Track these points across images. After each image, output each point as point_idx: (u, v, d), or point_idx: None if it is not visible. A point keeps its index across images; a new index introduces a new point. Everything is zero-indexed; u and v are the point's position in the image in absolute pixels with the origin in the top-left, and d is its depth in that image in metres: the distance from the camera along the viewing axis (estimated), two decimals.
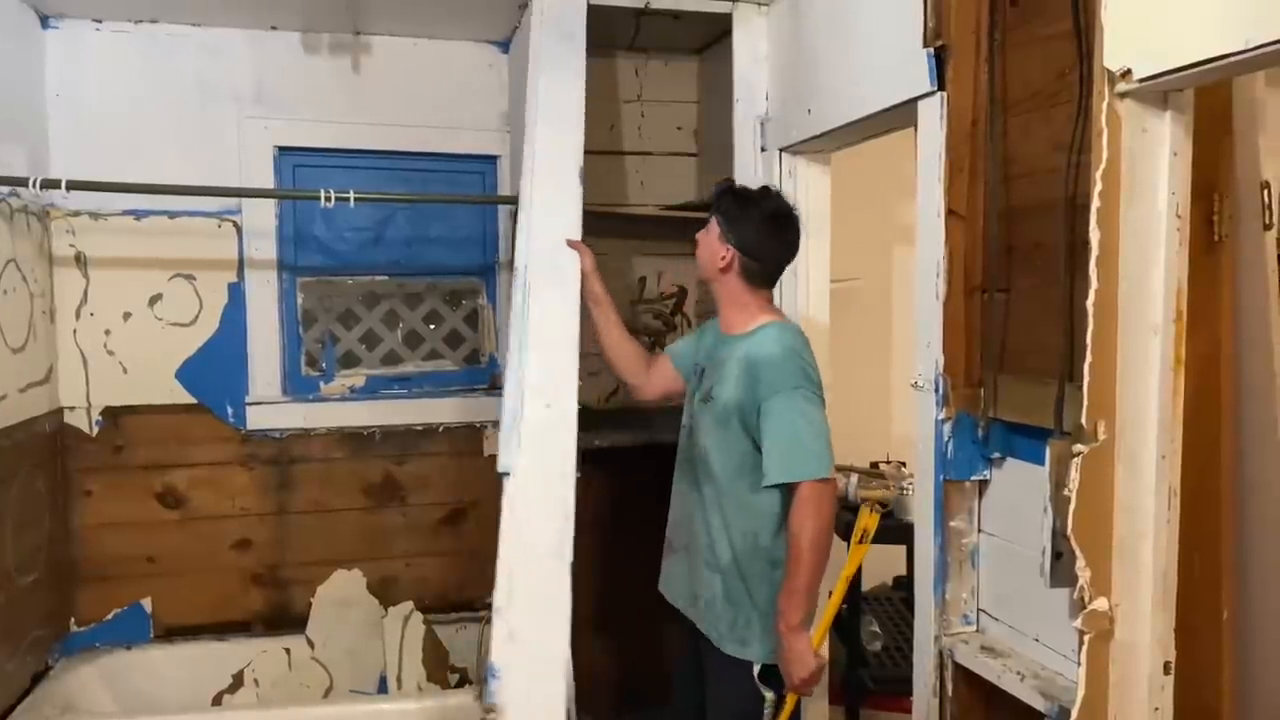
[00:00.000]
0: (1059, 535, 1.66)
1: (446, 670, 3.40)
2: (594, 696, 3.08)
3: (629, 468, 3.14)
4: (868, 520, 2.33)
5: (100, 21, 3.09)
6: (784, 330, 2.20)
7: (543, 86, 2.53)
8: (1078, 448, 1.59)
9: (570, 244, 2.34)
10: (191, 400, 3.21)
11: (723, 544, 2.19)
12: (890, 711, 3.05)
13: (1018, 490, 1.96)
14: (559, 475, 2.15)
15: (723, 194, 2.29)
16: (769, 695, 2.16)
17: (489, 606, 3.32)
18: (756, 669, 2.17)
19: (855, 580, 3.02)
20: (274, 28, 3.21)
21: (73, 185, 2.69)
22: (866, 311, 3.65)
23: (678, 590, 2.33)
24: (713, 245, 2.24)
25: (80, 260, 3.10)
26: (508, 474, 2.11)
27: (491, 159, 3.46)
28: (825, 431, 2.10)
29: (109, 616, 3.17)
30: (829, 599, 2.35)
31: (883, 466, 3.23)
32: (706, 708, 2.29)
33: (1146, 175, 1.57)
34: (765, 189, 2.33)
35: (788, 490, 2.10)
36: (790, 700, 2.18)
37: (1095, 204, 1.55)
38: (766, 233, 2.23)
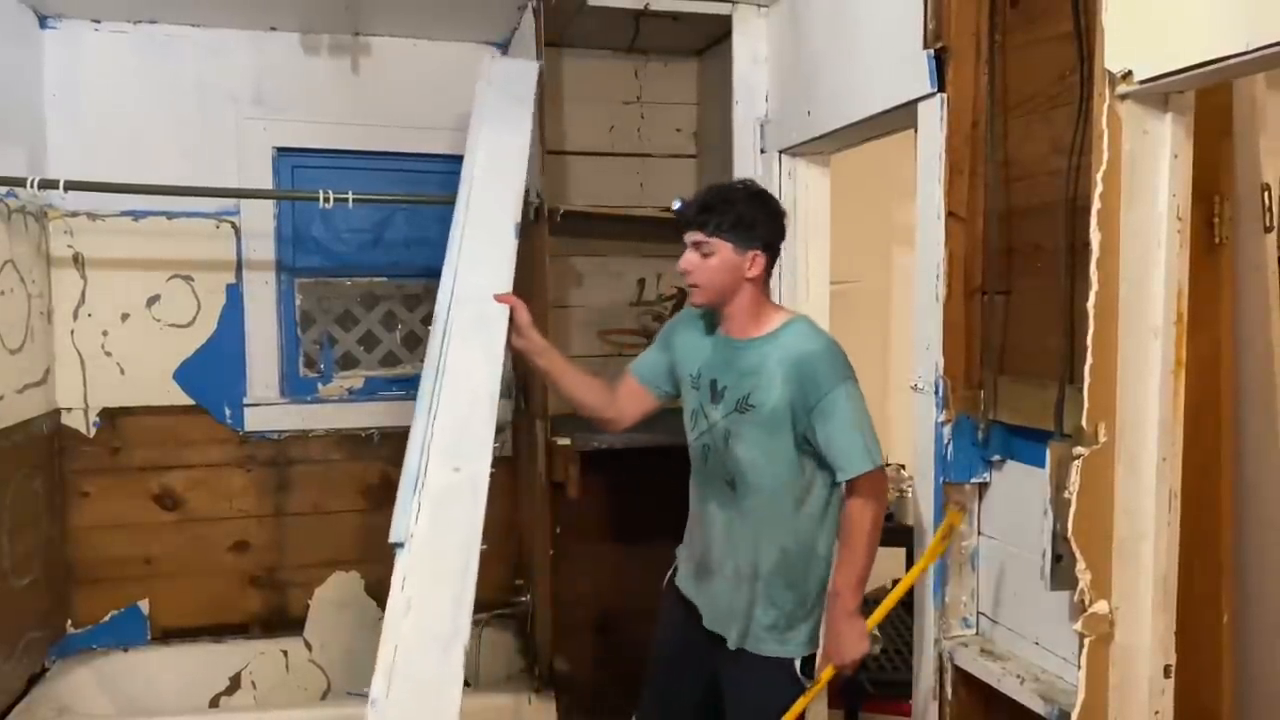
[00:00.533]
0: (1059, 538, 1.65)
1: None
2: (592, 698, 3.08)
3: (627, 469, 3.13)
4: (954, 517, 2.26)
5: (99, 22, 3.08)
6: (811, 324, 2.20)
7: (484, 140, 2.41)
8: (1078, 450, 1.59)
9: (501, 298, 2.21)
10: (189, 401, 3.21)
11: (768, 553, 2.12)
12: (890, 715, 3.03)
13: (1018, 493, 1.95)
14: (462, 550, 1.94)
15: (708, 210, 2.11)
16: (808, 685, 2.14)
17: (488, 609, 3.34)
18: (798, 664, 2.14)
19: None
20: (273, 28, 3.21)
21: (71, 185, 2.68)
22: (866, 313, 3.64)
23: (717, 613, 2.21)
24: (730, 263, 2.10)
25: (78, 261, 3.09)
26: (400, 545, 1.92)
27: None
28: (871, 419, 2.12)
29: (106, 618, 3.16)
30: (895, 586, 2.30)
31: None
32: (731, 714, 2.22)
33: (1147, 177, 1.57)
34: (733, 185, 2.21)
35: (830, 479, 2.10)
36: (824, 679, 2.12)
37: (1096, 206, 1.55)
38: (774, 216, 2.16)
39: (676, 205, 2.13)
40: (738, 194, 2.15)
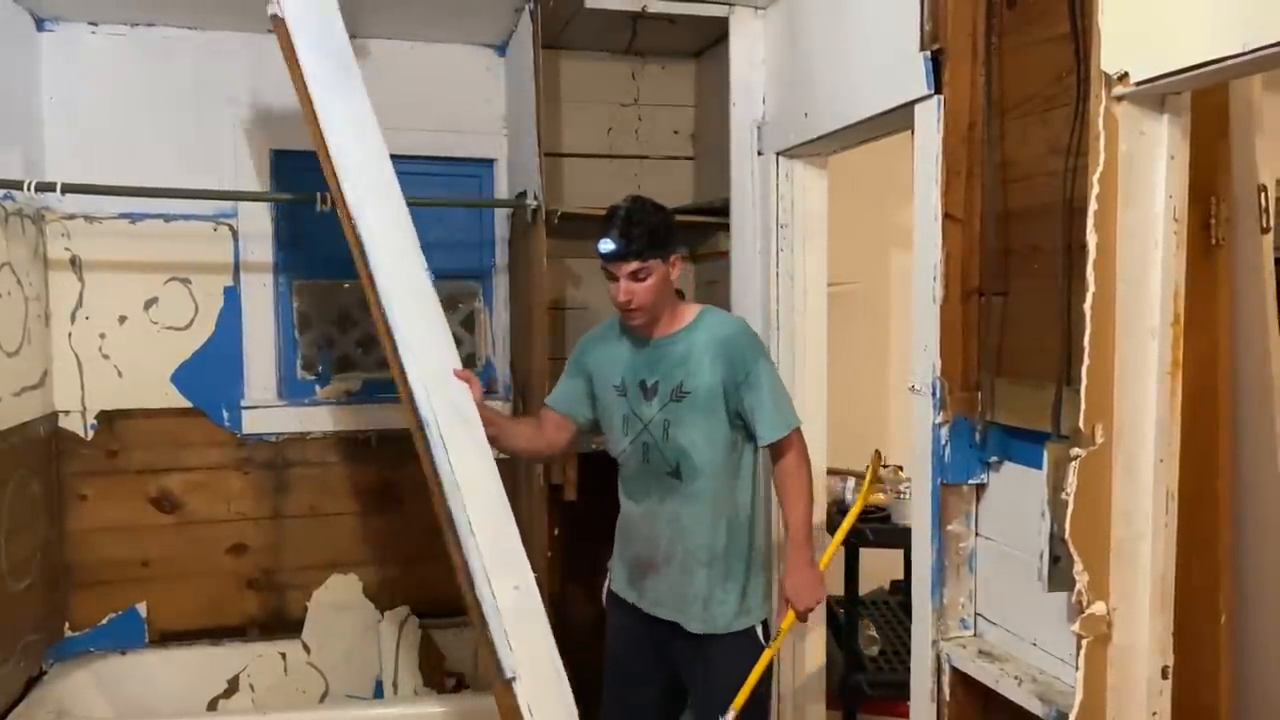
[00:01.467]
0: (1056, 539, 1.65)
1: (443, 675, 3.39)
2: (590, 699, 3.07)
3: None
4: (875, 459, 2.52)
5: (96, 24, 3.09)
6: (720, 310, 2.46)
7: (349, 152, 2.31)
8: (1075, 451, 1.58)
9: (459, 375, 2.29)
10: (187, 404, 3.21)
11: (715, 533, 2.30)
12: (888, 716, 3.04)
13: (1015, 494, 1.95)
14: (549, 660, 2.16)
15: (633, 239, 2.21)
16: (768, 645, 2.33)
17: None
18: (759, 629, 2.35)
19: (853, 583, 3.03)
20: (271, 31, 3.20)
21: (68, 188, 2.68)
22: (864, 315, 3.64)
23: (664, 603, 2.36)
24: (662, 276, 2.25)
25: (75, 264, 3.09)
26: (515, 679, 2.11)
27: (488, 162, 3.46)
28: None
29: (104, 621, 3.16)
30: (838, 530, 2.46)
31: (880, 470, 3.22)
32: (704, 696, 2.34)
33: (1144, 178, 1.56)
34: (631, 205, 2.27)
35: (754, 450, 2.34)
36: (785, 628, 2.30)
37: (1092, 207, 1.55)
38: (672, 217, 2.34)
39: (610, 247, 2.22)
40: (643, 212, 2.27)
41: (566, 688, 2.18)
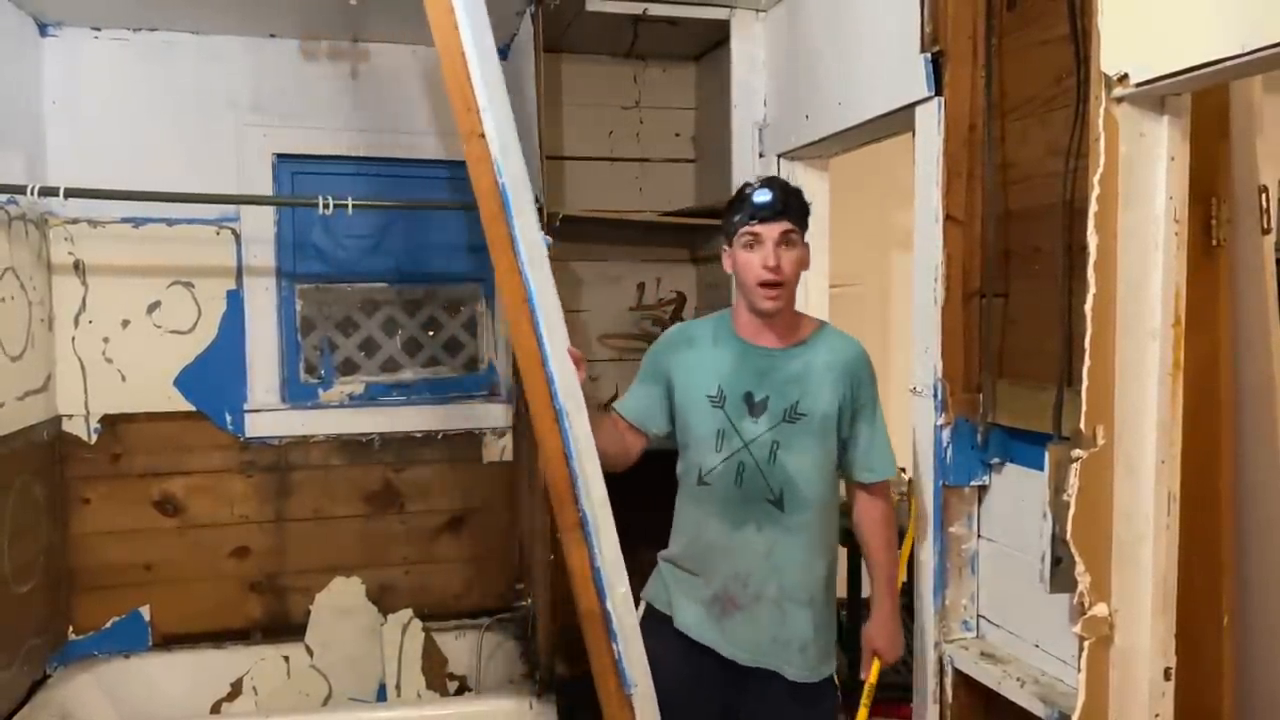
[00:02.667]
0: (1058, 540, 1.65)
1: (445, 678, 3.39)
2: (593, 701, 3.07)
3: (626, 474, 3.13)
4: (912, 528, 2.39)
5: (98, 29, 3.09)
6: (838, 329, 2.15)
7: (485, 70, 2.00)
8: (1076, 453, 1.58)
9: (572, 355, 2.06)
10: (190, 408, 3.21)
11: (812, 571, 2.04)
12: (890, 718, 3.03)
13: (1017, 496, 1.95)
14: (646, 671, 2.11)
15: (794, 194, 1.99)
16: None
17: (489, 614, 3.34)
18: (835, 676, 2.13)
19: (856, 585, 3.03)
20: (272, 35, 3.21)
21: (71, 192, 2.68)
22: (865, 316, 3.64)
23: (756, 648, 2.05)
24: (805, 256, 2.03)
25: (79, 268, 3.10)
26: (634, 692, 2.09)
27: None
28: None
29: (107, 625, 3.16)
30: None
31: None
32: None
33: (1144, 179, 1.57)
34: (767, 179, 2.12)
35: (839, 487, 2.12)
36: (874, 676, 2.13)
37: (1093, 208, 1.56)
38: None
39: (767, 198, 1.93)
40: (784, 183, 2.05)
41: (655, 702, 2.12)
